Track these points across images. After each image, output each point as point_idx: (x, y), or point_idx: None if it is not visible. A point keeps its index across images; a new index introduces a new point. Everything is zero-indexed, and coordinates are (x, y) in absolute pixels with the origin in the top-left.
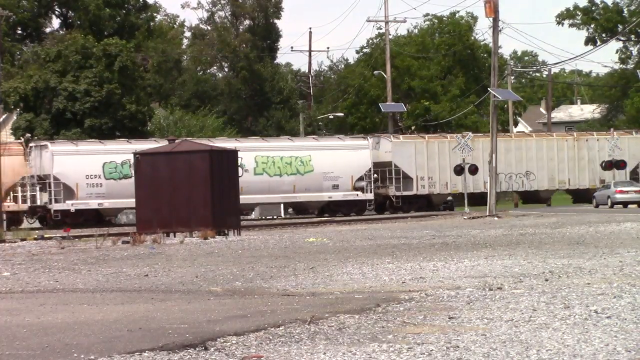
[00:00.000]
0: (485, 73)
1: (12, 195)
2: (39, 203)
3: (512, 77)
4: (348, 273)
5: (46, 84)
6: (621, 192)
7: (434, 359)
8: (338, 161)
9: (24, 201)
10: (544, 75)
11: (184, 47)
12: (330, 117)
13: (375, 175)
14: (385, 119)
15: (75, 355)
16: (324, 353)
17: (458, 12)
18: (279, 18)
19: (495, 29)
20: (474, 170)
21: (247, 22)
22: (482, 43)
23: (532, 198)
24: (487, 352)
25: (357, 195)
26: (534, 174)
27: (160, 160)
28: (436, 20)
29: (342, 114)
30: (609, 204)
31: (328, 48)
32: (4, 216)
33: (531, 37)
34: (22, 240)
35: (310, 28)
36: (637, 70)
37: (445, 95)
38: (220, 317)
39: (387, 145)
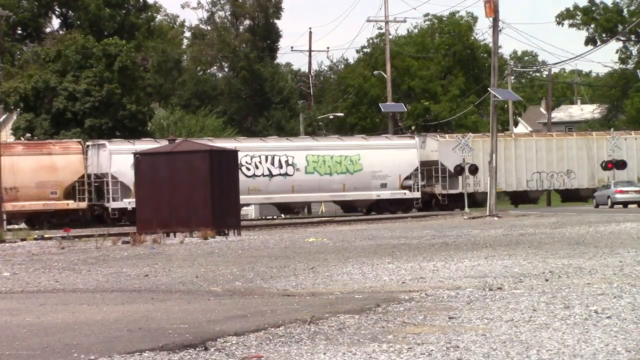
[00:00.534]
0: (485, 73)
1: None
2: (96, 202)
3: (512, 77)
4: (348, 273)
5: (46, 84)
6: (621, 192)
7: (434, 359)
8: (386, 160)
9: (82, 200)
10: (544, 75)
11: (184, 47)
12: (330, 117)
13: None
14: (385, 119)
15: (75, 355)
16: (324, 353)
17: (458, 12)
18: (279, 18)
19: (495, 29)
20: (473, 170)
21: (247, 22)
22: (482, 43)
23: (572, 196)
24: (487, 352)
25: (405, 193)
26: (574, 173)
27: (160, 160)
28: (436, 20)
29: (342, 114)
30: (609, 204)
31: (328, 48)
32: (4, 216)
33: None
34: (22, 240)
35: (310, 28)
36: (637, 70)
37: (445, 95)
38: (220, 317)
39: (433, 144)
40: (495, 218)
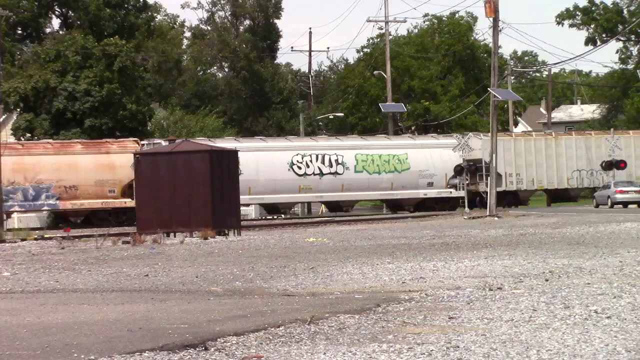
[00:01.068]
0: (485, 73)
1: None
2: None
3: (512, 77)
4: (348, 273)
5: (46, 84)
6: (621, 192)
7: (434, 359)
8: (433, 159)
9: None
10: (544, 75)
11: (184, 47)
12: (330, 117)
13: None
14: (385, 119)
15: (75, 355)
16: (324, 353)
17: (458, 12)
18: (279, 18)
19: (495, 29)
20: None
21: (247, 22)
22: (482, 43)
23: None
24: (487, 352)
25: (451, 192)
26: (614, 170)
27: (160, 160)
28: (436, 21)
29: (342, 114)
30: (609, 204)
31: (328, 48)
32: (4, 216)
33: (531, 37)
34: (22, 240)
35: (310, 28)
36: (637, 70)
37: (445, 95)
38: (220, 317)
39: (477, 143)
40: (496, 218)
